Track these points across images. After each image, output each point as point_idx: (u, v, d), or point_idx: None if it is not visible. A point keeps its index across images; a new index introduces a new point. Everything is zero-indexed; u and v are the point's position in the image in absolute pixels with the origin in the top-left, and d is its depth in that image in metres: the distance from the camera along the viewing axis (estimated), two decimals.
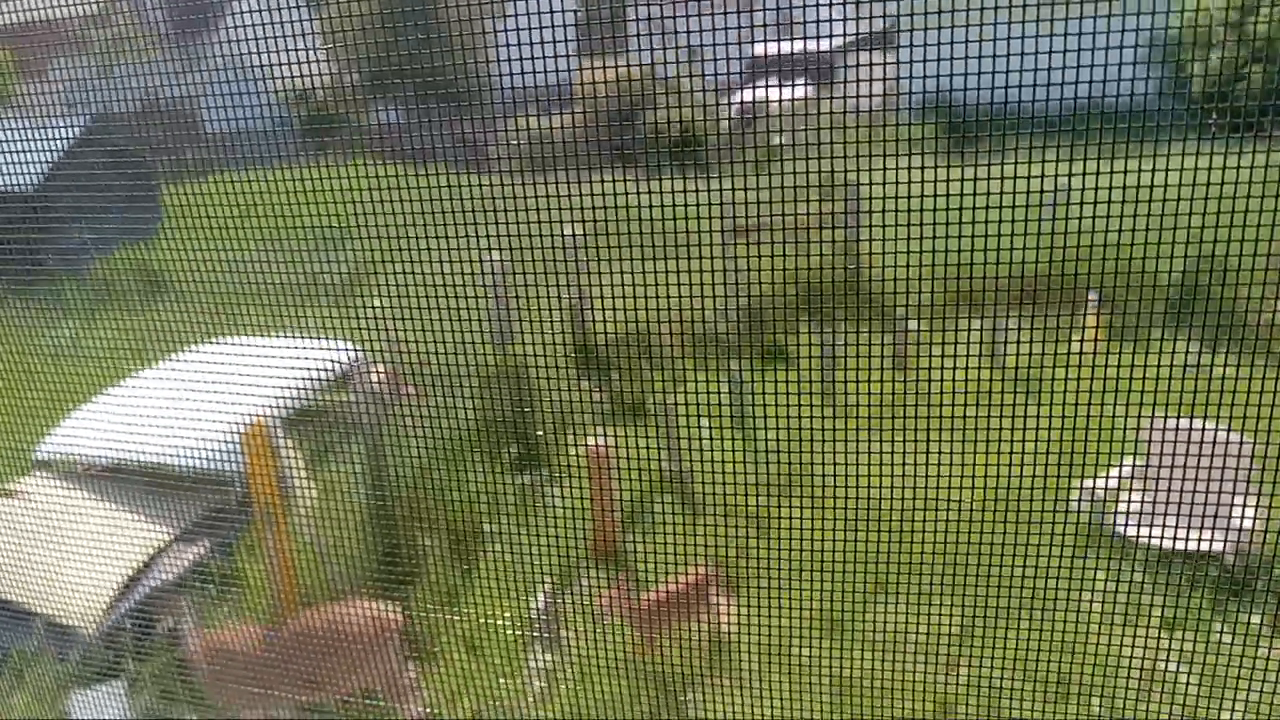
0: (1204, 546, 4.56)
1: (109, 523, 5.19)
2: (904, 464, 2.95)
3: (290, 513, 5.05)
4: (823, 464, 3.66)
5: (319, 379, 4.25)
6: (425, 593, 5.17)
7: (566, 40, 2.65)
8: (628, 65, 4.96)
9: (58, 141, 3.61)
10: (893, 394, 3.16)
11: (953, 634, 4.20)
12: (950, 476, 2.96)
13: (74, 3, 3.21)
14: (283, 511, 4.96)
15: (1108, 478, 4.83)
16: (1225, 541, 4.63)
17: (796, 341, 5.61)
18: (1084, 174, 2.44)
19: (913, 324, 4.36)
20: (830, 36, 3.28)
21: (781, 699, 3.87)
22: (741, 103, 6.25)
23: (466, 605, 5.16)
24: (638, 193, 2.81)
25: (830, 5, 2.61)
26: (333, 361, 4.69)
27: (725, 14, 2.82)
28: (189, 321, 3.96)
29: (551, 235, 3.09)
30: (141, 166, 4.53)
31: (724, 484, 3.40)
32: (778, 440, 3.46)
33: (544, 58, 2.66)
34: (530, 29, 2.63)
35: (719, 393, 5.14)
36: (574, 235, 3.20)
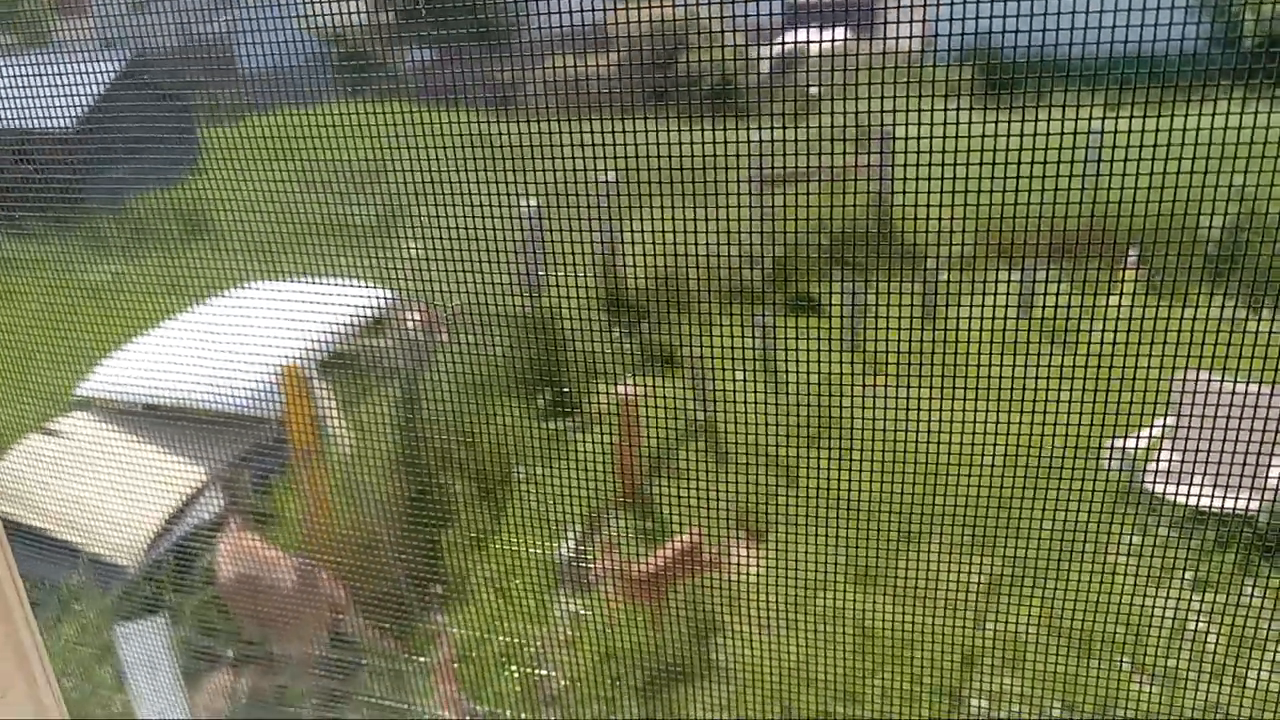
0: (1237, 506, 4.51)
1: (149, 462, 5.29)
2: (931, 416, 2.94)
3: (326, 454, 5.13)
4: (850, 414, 3.66)
5: (354, 323, 4.29)
6: (455, 534, 5.24)
7: None
8: (664, 5, 4.89)
9: (95, 81, 3.63)
10: (920, 345, 3.14)
11: (981, 587, 4.20)
12: (980, 430, 2.94)
13: None
14: (319, 453, 5.03)
15: (1138, 436, 4.77)
16: (1259, 501, 4.57)
17: (829, 290, 5.57)
18: (1127, 124, 2.39)
19: (943, 275, 4.31)
20: None
21: (807, 646, 3.91)
22: (782, 43, 6.15)
23: (496, 547, 5.23)
24: (662, 141, 2.79)
25: None
26: (368, 305, 4.72)
27: None
28: (227, 264, 4.00)
29: (585, 180, 3.07)
30: (179, 105, 4.55)
31: (751, 432, 3.40)
32: (806, 389, 3.45)
33: None
34: None
35: (747, 342, 5.12)
36: (607, 180, 3.19)
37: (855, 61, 2.66)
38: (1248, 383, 2.84)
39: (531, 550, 4.79)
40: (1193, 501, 4.20)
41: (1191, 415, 2.92)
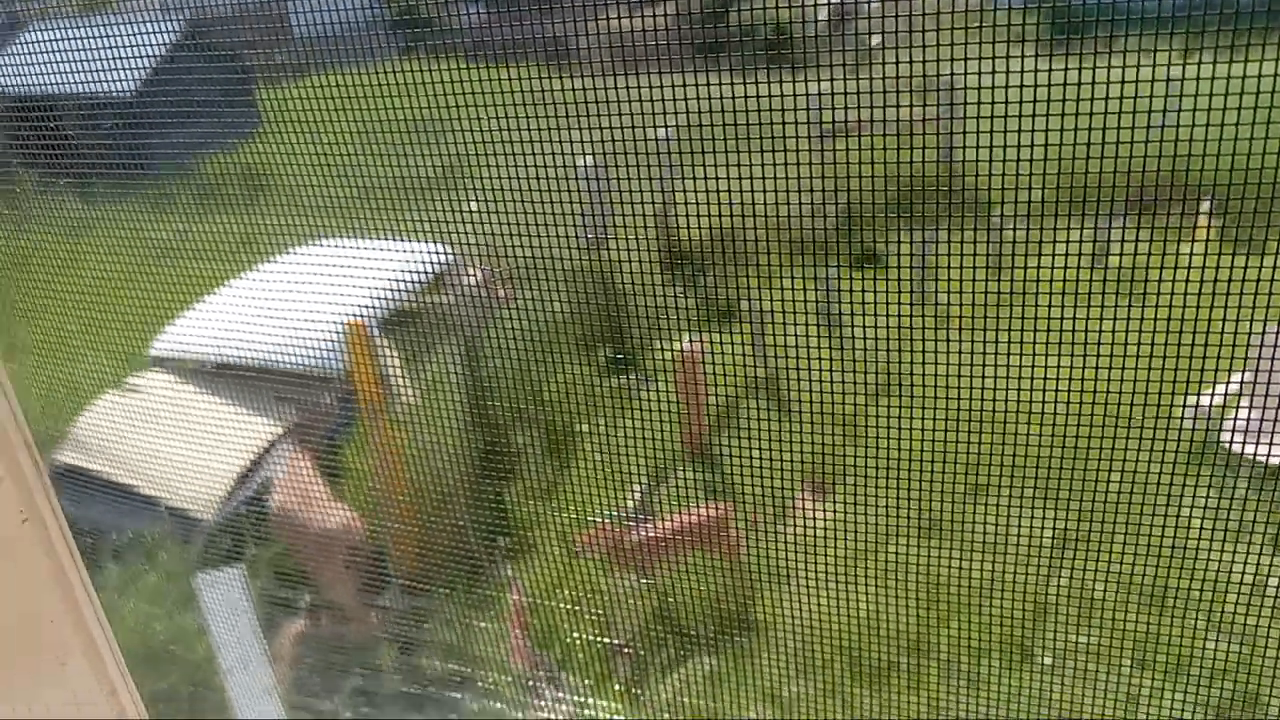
0: None
1: (223, 418, 5.43)
2: (1001, 369, 2.87)
3: (392, 410, 5.20)
4: (917, 367, 3.58)
5: (415, 280, 4.32)
6: (522, 487, 5.30)
7: None
8: None
9: (156, 45, 3.66)
10: (985, 297, 3.06)
11: (1053, 541, 4.13)
12: (1051, 384, 2.87)
13: None
14: (385, 409, 5.10)
15: (1213, 394, 4.62)
16: None
17: (896, 242, 5.47)
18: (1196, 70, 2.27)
19: (1009, 226, 4.20)
20: None
21: (874, 597, 3.89)
22: None
23: (562, 500, 5.28)
24: (727, 95, 2.73)
25: None
26: (428, 263, 4.75)
27: None
28: (289, 224, 4.04)
29: (643, 136, 3.03)
30: (238, 68, 4.59)
31: (816, 387, 3.36)
32: (875, 343, 3.39)
33: None
34: None
35: (811, 296, 5.06)
36: (664, 139, 3.14)
37: (919, 5, 2.57)
38: None
39: (596, 504, 4.82)
40: (1274, 461, 4.06)
41: (1271, 371, 2.80)
